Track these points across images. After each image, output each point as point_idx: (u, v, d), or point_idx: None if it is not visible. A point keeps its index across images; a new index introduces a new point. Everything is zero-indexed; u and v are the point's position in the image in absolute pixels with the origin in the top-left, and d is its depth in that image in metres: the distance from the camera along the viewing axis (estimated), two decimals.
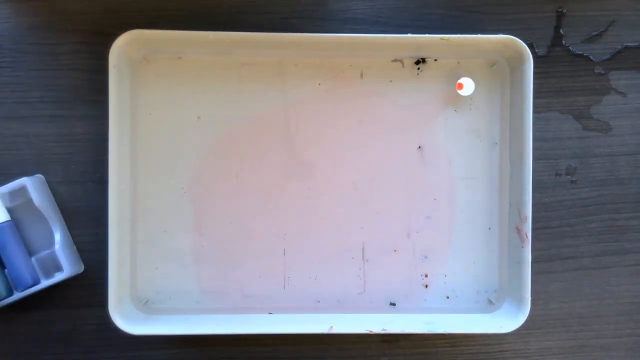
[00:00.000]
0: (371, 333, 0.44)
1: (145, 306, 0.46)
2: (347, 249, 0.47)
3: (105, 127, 0.43)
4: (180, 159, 0.46)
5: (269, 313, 0.46)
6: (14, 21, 0.46)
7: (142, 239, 0.46)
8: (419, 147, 0.47)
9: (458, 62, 0.46)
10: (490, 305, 0.47)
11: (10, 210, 0.45)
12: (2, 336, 0.47)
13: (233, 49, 0.45)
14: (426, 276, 0.47)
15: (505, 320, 0.45)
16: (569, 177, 0.48)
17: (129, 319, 0.44)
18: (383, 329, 0.44)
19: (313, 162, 0.46)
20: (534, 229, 0.44)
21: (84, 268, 0.47)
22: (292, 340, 0.48)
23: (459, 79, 0.46)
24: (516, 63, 0.45)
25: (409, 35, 0.44)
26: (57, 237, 0.45)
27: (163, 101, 0.46)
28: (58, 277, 0.44)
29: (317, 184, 0.46)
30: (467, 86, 0.45)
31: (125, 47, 0.44)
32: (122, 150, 0.44)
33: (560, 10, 0.48)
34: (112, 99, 0.43)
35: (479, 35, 0.44)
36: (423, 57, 0.46)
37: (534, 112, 0.44)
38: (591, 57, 0.48)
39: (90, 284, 0.46)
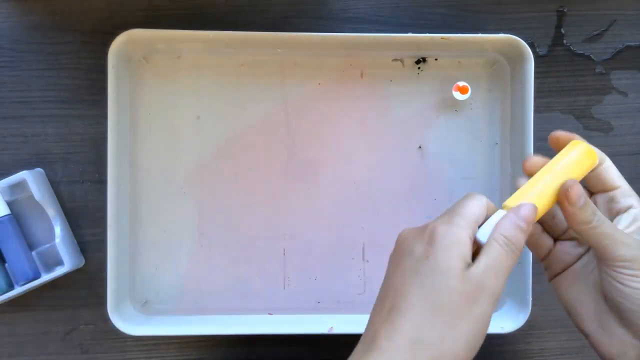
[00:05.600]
0: None
1: (145, 307, 0.46)
2: (347, 249, 0.46)
3: (104, 127, 0.43)
4: (180, 158, 0.46)
5: (269, 313, 0.46)
6: (13, 20, 0.46)
7: (141, 239, 0.46)
8: (420, 147, 0.47)
9: (459, 62, 0.46)
10: None
11: (10, 204, 0.45)
12: (1, 337, 0.46)
13: (233, 49, 0.45)
14: None
15: (506, 321, 0.44)
16: None
17: (128, 320, 0.44)
18: None
19: (313, 162, 0.46)
20: None
21: (83, 267, 0.46)
22: (292, 341, 0.47)
23: (459, 78, 0.46)
24: (517, 62, 0.45)
25: (410, 34, 0.44)
26: (58, 230, 0.44)
27: (162, 101, 0.46)
28: (59, 271, 0.44)
29: (317, 183, 0.46)
30: (464, 90, 0.45)
31: (124, 47, 0.44)
32: (122, 150, 0.44)
33: (561, 9, 0.48)
34: (112, 99, 0.43)
35: (480, 35, 0.44)
36: (423, 56, 0.46)
37: (534, 111, 0.44)
38: (592, 56, 0.48)
39: (90, 284, 0.46)
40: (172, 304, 0.46)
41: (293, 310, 0.46)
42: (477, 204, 0.31)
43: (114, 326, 0.43)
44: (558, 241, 0.36)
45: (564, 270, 0.35)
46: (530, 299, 0.44)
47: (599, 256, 0.32)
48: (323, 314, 0.46)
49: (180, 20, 0.46)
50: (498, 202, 0.46)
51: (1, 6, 0.46)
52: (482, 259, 0.29)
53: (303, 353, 0.47)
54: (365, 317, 0.46)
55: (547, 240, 0.36)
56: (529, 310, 0.44)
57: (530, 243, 0.36)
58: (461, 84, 0.45)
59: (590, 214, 0.31)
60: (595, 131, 0.48)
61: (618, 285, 0.31)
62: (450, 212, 0.31)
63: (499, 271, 0.29)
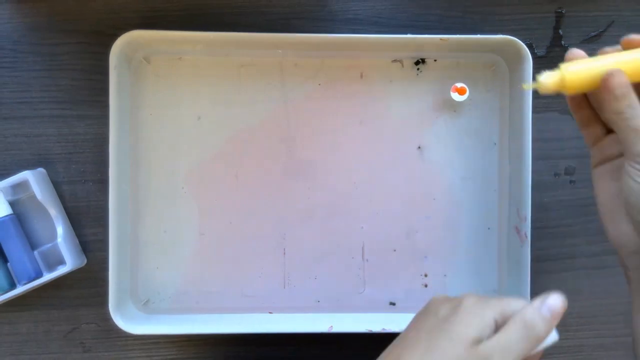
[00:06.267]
0: (371, 332, 0.44)
1: (146, 306, 0.46)
2: (347, 249, 0.47)
3: (106, 127, 0.43)
4: (181, 159, 0.46)
5: (269, 312, 0.47)
6: (14, 22, 0.46)
7: (143, 239, 0.46)
8: (419, 147, 0.47)
9: (457, 63, 0.47)
10: None
11: (12, 204, 0.45)
12: (3, 336, 0.47)
13: (233, 49, 0.46)
14: (426, 276, 0.47)
15: None
16: (568, 177, 0.48)
17: (129, 319, 0.44)
18: (383, 329, 0.44)
19: (313, 162, 0.47)
20: (533, 229, 0.45)
21: (85, 267, 0.47)
22: (292, 340, 0.48)
23: (458, 79, 0.46)
24: (515, 63, 0.45)
25: (409, 35, 0.44)
26: (60, 230, 0.45)
27: (163, 101, 0.46)
28: (61, 271, 0.44)
29: (317, 183, 0.47)
30: (462, 91, 0.45)
31: (125, 48, 0.44)
32: (123, 150, 0.44)
33: (559, 10, 0.48)
34: (113, 100, 0.43)
35: (479, 36, 0.44)
36: (423, 57, 0.46)
37: (533, 112, 0.44)
38: None
39: (91, 283, 0.47)
40: (173, 303, 0.46)
41: (293, 309, 0.47)
42: (519, 302, 0.32)
43: (115, 325, 0.43)
44: (610, 134, 0.35)
45: (604, 161, 0.35)
46: (529, 297, 0.44)
47: (623, 148, 0.32)
48: (323, 312, 0.46)
49: (181, 22, 0.46)
50: (497, 201, 0.47)
51: (3, 7, 0.46)
52: (497, 336, 0.30)
53: (303, 352, 0.48)
54: (365, 316, 0.46)
55: (599, 129, 0.36)
56: None
57: (582, 124, 0.36)
58: (459, 85, 0.45)
59: (624, 105, 0.31)
60: None
61: (629, 180, 0.31)
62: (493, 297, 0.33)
63: (508, 353, 0.29)
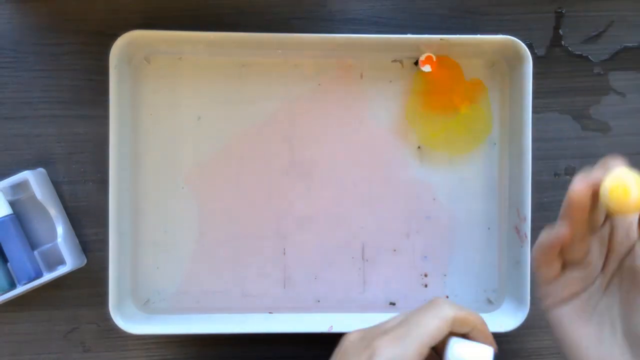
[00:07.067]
0: None
1: (146, 306, 0.46)
2: (347, 249, 0.47)
3: (106, 127, 0.43)
4: (181, 158, 0.46)
5: (269, 312, 0.47)
6: (14, 22, 0.46)
7: (143, 239, 0.46)
8: (419, 147, 0.47)
9: (457, 63, 0.47)
10: (489, 304, 0.47)
11: (12, 204, 0.45)
12: (3, 336, 0.47)
13: (233, 49, 0.46)
14: (426, 276, 0.47)
15: (505, 320, 0.45)
16: (568, 177, 0.48)
17: (129, 319, 0.44)
18: None
19: (313, 162, 0.47)
20: (533, 229, 0.44)
21: (85, 267, 0.47)
22: (292, 340, 0.48)
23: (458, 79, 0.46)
24: (515, 63, 0.45)
25: (409, 35, 0.44)
26: (59, 230, 0.45)
27: (164, 101, 0.46)
28: (61, 271, 0.44)
29: (317, 183, 0.47)
30: (429, 59, 0.45)
31: (125, 48, 0.44)
32: (123, 150, 0.44)
33: (559, 10, 0.48)
34: (113, 100, 0.43)
35: (478, 36, 0.44)
36: None
37: (533, 112, 0.44)
38: (590, 57, 0.48)
39: (91, 283, 0.47)
40: (173, 303, 0.46)
41: (293, 309, 0.47)
42: (436, 322, 0.29)
43: (115, 325, 0.43)
44: (567, 268, 0.33)
45: (568, 299, 0.32)
46: (529, 297, 0.44)
47: None
48: (323, 312, 0.46)
49: (182, 22, 0.46)
50: (496, 201, 0.47)
51: (3, 7, 0.46)
52: None
53: (303, 352, 0.48)
54: (365, 316, 0.46)
55: (558, 264, 0.32)
56: (528, 309, 0.44)
57: (544, 263, 0.33)
58: (423, 57, 0.45)
59: None
60: (593, 131, 0.48)
61: None
62: (403, 327, 0.29)
63: None
